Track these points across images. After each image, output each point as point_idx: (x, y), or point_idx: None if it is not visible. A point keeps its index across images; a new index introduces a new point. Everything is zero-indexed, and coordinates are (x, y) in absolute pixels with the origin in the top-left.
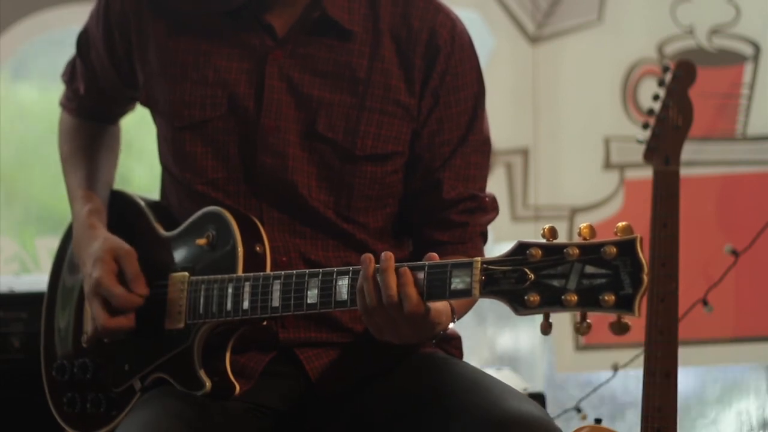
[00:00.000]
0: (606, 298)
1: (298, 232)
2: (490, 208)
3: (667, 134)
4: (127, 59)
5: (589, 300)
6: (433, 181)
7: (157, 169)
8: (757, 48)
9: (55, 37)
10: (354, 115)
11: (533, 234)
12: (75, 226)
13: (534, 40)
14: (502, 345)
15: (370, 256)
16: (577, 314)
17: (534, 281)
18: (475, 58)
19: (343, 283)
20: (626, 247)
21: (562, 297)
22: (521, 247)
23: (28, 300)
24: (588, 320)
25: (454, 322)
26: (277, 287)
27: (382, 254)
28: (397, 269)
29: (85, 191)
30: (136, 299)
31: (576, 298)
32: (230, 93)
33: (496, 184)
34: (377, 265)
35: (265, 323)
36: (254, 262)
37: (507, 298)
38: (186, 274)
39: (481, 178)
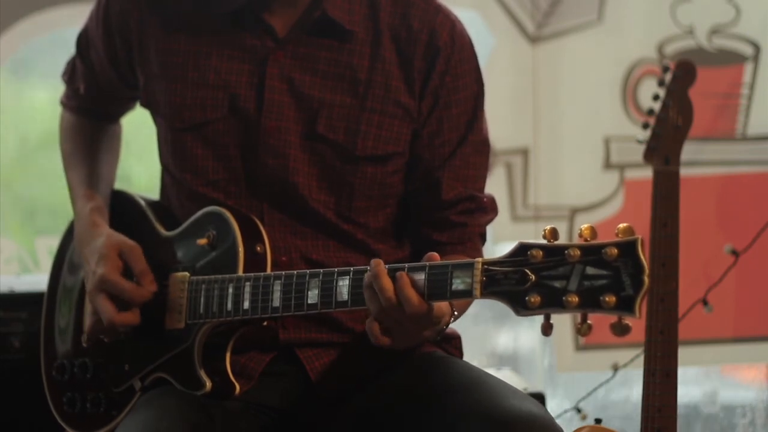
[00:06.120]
0: (607, 299)
1: (299, 233)
2: (489, 208)
3: (667, 134)
4: (127, 60)
5: (590, 301)
6: (433, 182)
7: (157, 169)
8: (757, 48)
9: (56, 36)
10: (354, 116)
11: (533, 234)
12: (77, 225)
13: (534, 40)
14: (502, 345)
15: (368, 274)
16: (578, 315)
17: (535, 282)
18: (474, 58)
19: (344, 284)
20: (627, 248)
21: (563, 298)
22: (522, 248)
23: (28, 300)
24: (589, 321)
25: (454, 317)
26: (277, 287)
27: (371, 261)
28: (393, 272)
29: (87, 190)
30: (146, 293)
31: (577, 299)
32: (231, 94)
33: (496, 184)
34: (369, 271)
35: (266, 323)
36: (255, 262)
37: (508, 299)
38: (186, 274)
39: (480, 179)
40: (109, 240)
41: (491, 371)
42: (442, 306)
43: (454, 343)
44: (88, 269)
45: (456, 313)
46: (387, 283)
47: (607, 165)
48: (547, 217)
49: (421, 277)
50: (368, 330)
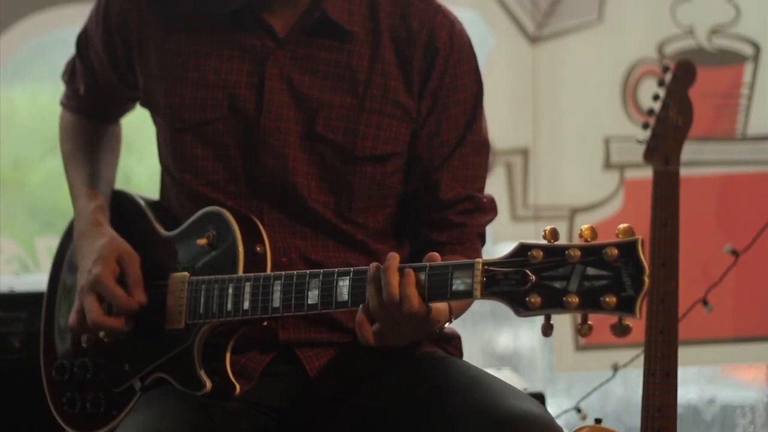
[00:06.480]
0: (607, 299)
1: (299, 233)
2: (489, 209)
3: (667, 134)
4: (127, 60)
5: (590, 302)
6: (432, 182)
7: (157, 169)
8: (757, 48)
9: (56, 36)
10: (354, 116)
11: (533, 234)
12: (79, 222)
13: (534, 40)
14: (502, 345)
15: (376, 263)
16: (578, 315)
17: (535, 283)
18: (473, 59)
19: (344, 284)
20: (628, 249)
21: (564, 299)
22: (522, 249)
23: (28, 300)
24: (589, 322)
25: (450, 321)
26: (277, 288)
27: (389, 254)
28: (401, 269)
29: (89, 189)
30: (134, 304)
31: (577, 299)
32: (231, 94)
33: (496, 184)
34: (382, 265)
35: (266, 323)
36: (254, 262)
37: (508, 299)
38: (186, 274)
39: (479, 179)
40: (111, 243)
41: (491, 371)
42: (439, 309)
43: (454, 343)
44: (83, 265)
45: (453, 317)
46: (395, 277)
47: (607, 165)
48: (547, 217)
49: (422, 277)
50: (357, 325)
